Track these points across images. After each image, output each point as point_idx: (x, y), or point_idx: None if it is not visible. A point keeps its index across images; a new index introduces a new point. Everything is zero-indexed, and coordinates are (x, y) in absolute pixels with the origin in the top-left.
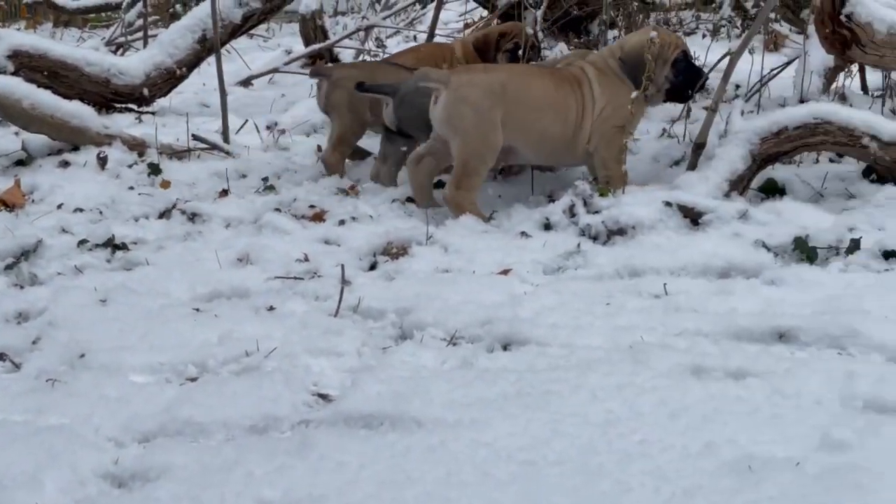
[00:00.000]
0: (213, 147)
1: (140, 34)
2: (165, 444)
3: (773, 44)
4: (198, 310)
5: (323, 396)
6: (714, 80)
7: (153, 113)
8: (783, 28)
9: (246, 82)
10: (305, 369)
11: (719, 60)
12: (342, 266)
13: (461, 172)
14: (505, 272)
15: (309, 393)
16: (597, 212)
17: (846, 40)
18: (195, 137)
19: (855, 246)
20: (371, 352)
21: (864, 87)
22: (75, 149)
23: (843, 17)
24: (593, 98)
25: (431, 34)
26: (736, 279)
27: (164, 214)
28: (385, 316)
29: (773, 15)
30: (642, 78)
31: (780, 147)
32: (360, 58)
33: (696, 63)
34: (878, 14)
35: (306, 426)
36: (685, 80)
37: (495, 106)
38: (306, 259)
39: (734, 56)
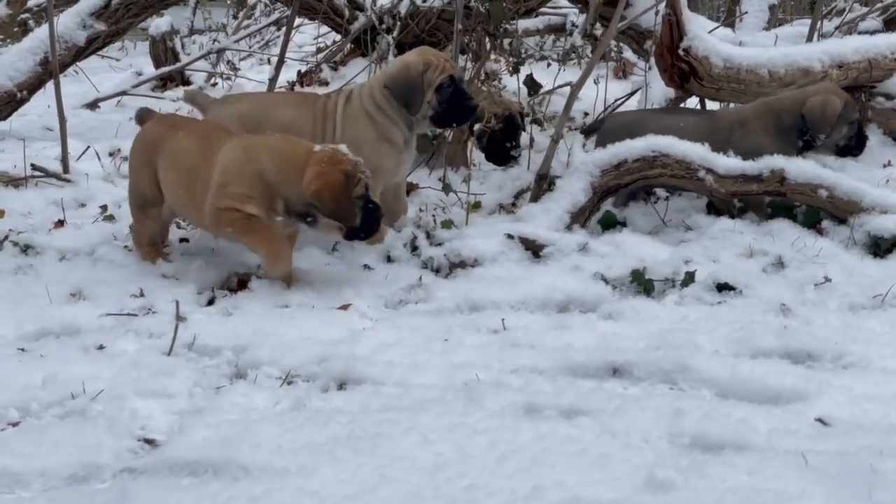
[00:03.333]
0: (51, 176)
1: None
2: None
3: (622, 71)
4: (23, 349)
5: (149, 441)
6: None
7: None
8: (632, 56)
9: (93, 105)
10: (132, 413)
11: (558, 87)
12: (177, 302)
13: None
14: (345, 307)
15: (134, 438)
16: (440, 244)
17: (685, 73)
18: (34, 167)
19: (690, 279)
20: (203, 392)
21: None
22: None
23: (681, 51)
24: (335, 136)
25: (281, 58)
26: (574, 313)
27: None
28: (221, 353)
29: (618, 44)
30: (415, 103)
31: (620, 179)
32: (212, 81)
33: (465, 88)
34: (715, 48)
35: (129, 474)
36: (449, 107)
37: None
38: (142, 294)
39: (575, 88)
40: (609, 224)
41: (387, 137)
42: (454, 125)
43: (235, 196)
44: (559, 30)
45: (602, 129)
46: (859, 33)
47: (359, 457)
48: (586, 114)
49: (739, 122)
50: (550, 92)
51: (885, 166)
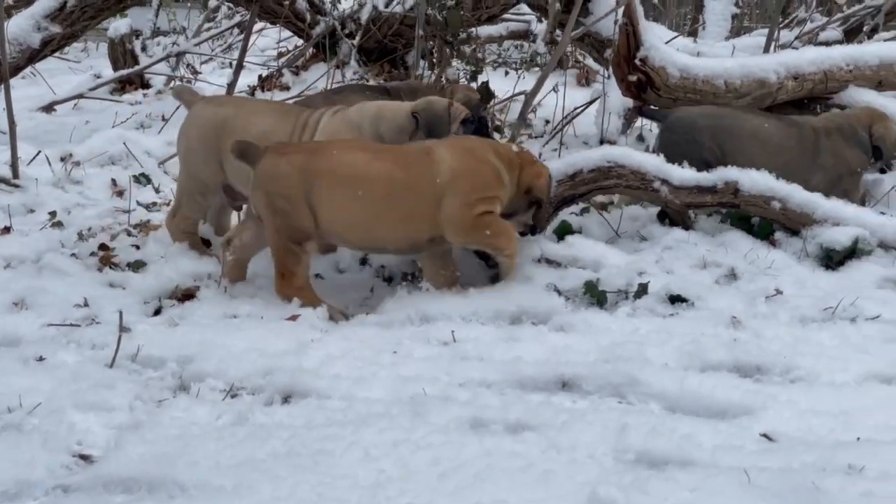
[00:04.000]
0: None
1: None
2: None
3: (585, 79)
4: None
5: (84, 457)
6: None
7: None
8: (595, 63)
9: (48, 108)
10: (69, 427)
11: (515, 95)
12: (120, 312)
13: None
14: (294, 318)
15: (69, 454)
16: None
17: (642, 83)
18: None
19: (643, 290)
20: (144, 406)
21: None
22: None
23: (637, 61)
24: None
25: (240, 62)
26: (525, 325)
27: None
28: (165, 365)
29: (576, 51)
30: (441, 134)
31: (575, 189)
32: (173, 84)
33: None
34: (671, 58)
35: (62, 492)
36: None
37: (216, 140)
38: (86, 304)
39: (529, 96)
40: (564, 233)
41: None
42: None
43: (486, 200)
44: (522, 36)
45: (671, 121)
46: (818, 44)
47: (298, 474)
48: (547, 121)
49: (824, 131)
50: (508, 100)
51: None
